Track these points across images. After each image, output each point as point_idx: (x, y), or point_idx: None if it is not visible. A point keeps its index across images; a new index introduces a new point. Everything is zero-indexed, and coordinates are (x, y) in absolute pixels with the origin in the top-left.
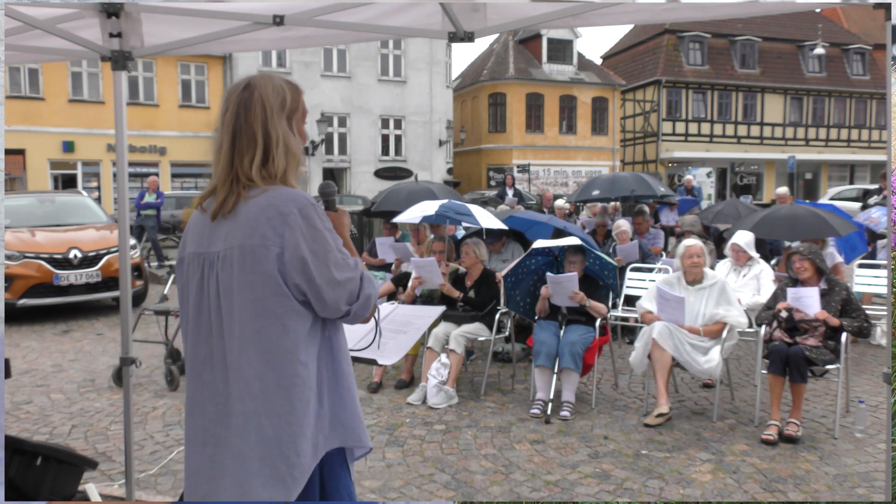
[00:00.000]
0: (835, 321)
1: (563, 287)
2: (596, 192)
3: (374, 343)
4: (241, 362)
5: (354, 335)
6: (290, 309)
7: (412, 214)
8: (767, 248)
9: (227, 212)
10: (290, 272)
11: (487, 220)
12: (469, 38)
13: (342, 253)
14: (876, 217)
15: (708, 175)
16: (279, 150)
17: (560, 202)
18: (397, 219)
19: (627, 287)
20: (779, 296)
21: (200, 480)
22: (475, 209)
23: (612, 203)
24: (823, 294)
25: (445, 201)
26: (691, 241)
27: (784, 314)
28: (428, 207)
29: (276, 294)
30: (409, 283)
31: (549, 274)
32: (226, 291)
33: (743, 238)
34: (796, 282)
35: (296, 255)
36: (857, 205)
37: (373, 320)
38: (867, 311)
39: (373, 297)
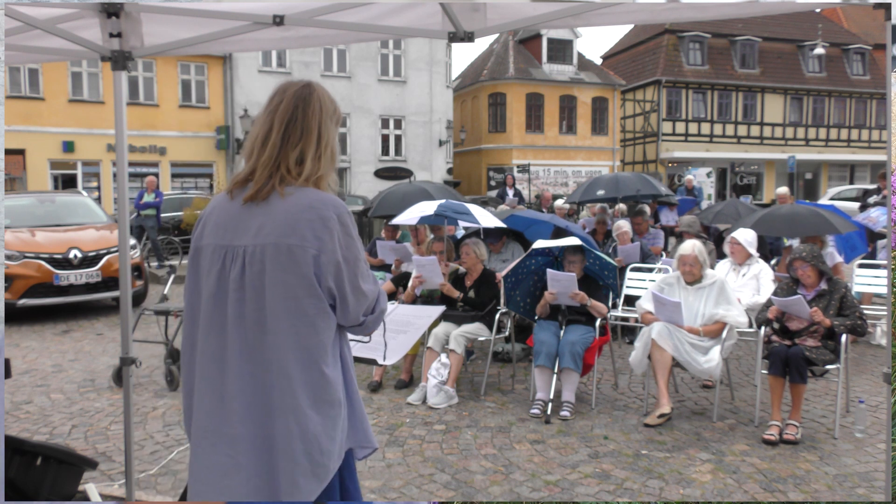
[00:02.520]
0: (826, 321)
1: (563, 285)
2: (601, 192)
3: (381, 353)
4: (273, 358)
5: (352, 337)
6: (322, 311)
7: (410, 215)
8: (767, 248)
9: (262, 199)
10: (325, 275)
11: (486, 218)
12: (469, 38)
13: (366, 265)
14: (875, 216)
15: (708, 175)
16: (327, 151)
17: (559, 202)
18: (396, 220)
19: (627, 287)
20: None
21: (214, 477)
22: (473, 208)
23: (618, 206)
24: (823, 294)
25: (443, 201)
26: (687, 249)
27: (776, 325)
28: (426, 208)
29: (311, 295)
30: (410, 283)
31: (549, 270)
32: (255, 287)
33: (743, 235)
34: (797, 282)
35: (332, 259)
36: (857, 205)
37: (382, 328)
38: (867, 311)
39: (384, 313)
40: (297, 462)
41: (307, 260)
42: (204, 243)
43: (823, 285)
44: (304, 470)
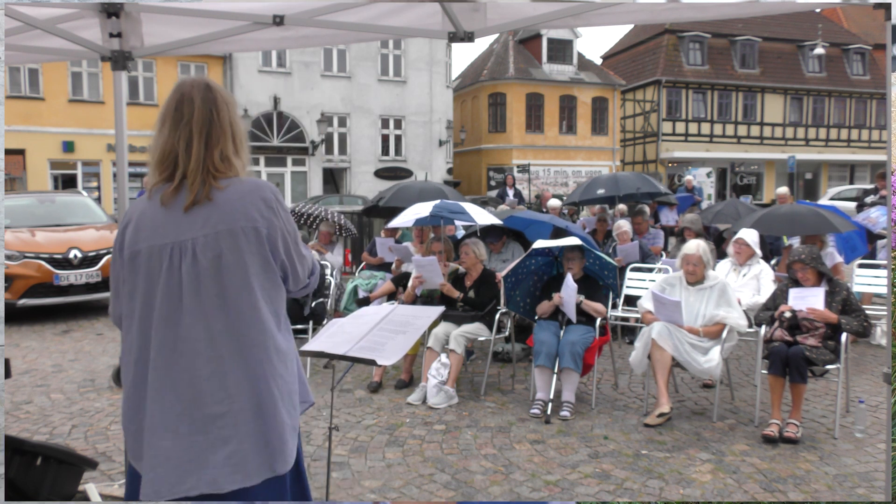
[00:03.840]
0: (833, 317)
1: (570, 294)
2: (601, 191)
3: (381, 354)
4: (241, 334)
5: (353, 336)
6: (276, 284)
7: (406, 217)
8: (768, 248)
9: (204, 197)
10: (277, 250)
11: (482, 216)
12: (469, 38)
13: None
14: (874, 217)
15: (708, 175)
16: (243, 144)
17: (554, 202)
18: (392, 223)
19: (627, 287)
20: (778, 296)
21: (177, 465)
22: (469, 207)
23: (618, 206)
24: (825, 294)
25: (438, 202)
26: (692, 248)
27: (788, 315)
28: (421, 209)
29: (267, 271)
30: (410, 283)
31: (568, 275)
32: (210, 274)
33: (749, 235)
34: (796, 282)
35: (280, 235)
36: (854, 205)
37: (371, 322)
38: (867, 312)
39: (318, 269)
40: (283, 420)
41: (261, 239)
42: (140, 247)
43: (824, 286)
44: (289, 427)
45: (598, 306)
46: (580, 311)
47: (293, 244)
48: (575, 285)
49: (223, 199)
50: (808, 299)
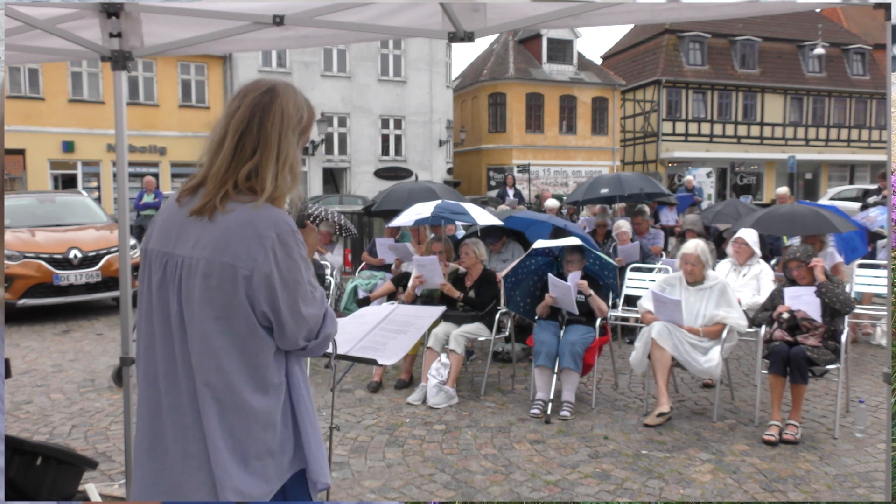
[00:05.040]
0: (821, 276)
1: (562, 291)
2: (605, 191)
3: (381, 353)
4: (200, 378)
5: (354, 336)
6: (254, 333)
7: (407, 217)
8: (768, 249)
9: (209, 211)
10: (257, 297)
11: (483, 217)
12: (469, 38)
13: (312, 286)
14: (873, 216)
15: (708, 175)
16: (285, 168)
17: (552, 202)
18: (393, 223)
19: (627, 287)
20: (776, 297)
21: (163, 492)
22: (470, 207)
23: (619, 205)
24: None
25: (440, 202)
26: (690, 248)
27: (786, 315)
28: (423, 209)
29: (242, 316)
30: (410, 283)
31: (550, 276)
32: (188, 300)
33: (749, 235)
34: (793, 282)
35: (266, 282)
36: (857, 205)
37: (372, 322)
38: (867, 312)
39: (331, 337)
40: (228, 486)
41: (238, 280)
42: (150, 247)
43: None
44: (234, 492)
45: (601, 302)
46: (582, 310)
47: (287, 297)
48: (565, 282)
49: (220, 224)
50: (804, 298)
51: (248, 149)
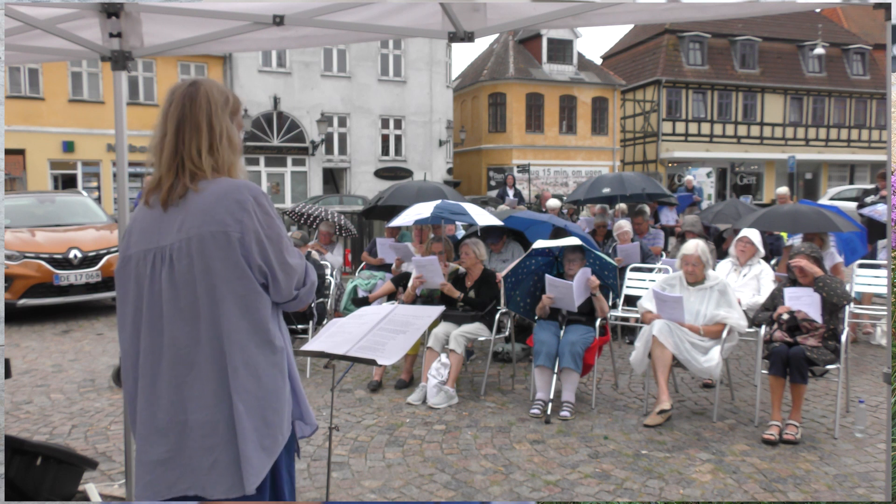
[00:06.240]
0: (817, 270)
1: (561, 291)
2: (606, 190)
3: (381, 353)
4: (214, 345)
5: (354, 336)
6: (253, 290)
7: (407, 217)
8: (768, 248)
9: (177, 198)
10: (251, 255)
11: (483, 217)
12: (469, 38)
13: (290, 241)
14: (881, 210)
15: (708, 175)
16: (223, 142)
17: (553, 202)
18: (392, 223)
19: (627, 287)
20: (776, 296)
21: (171, 468)
22: (470, 207)
23: (618, 206)
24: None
25: (439, 202)
26: (690, 248)
27: (786, 316)
28: (423, 209)
29: (240, 277)
30: (410, 283)
31: (548, 276)
32: (185, 280)
33: (752, 234)
34: (795, 282)
35: (255, 238)
36: (854, 205)
37: (372, 322)
38: (867, 311)
39: (315, 284)
40: (247, 438)
41: (232, 244)
42: (131, 252)
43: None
44: (254, 446)
45: (605, 304)
46: (580, 311)
47: (274, 250)
48: (564, 281)
49: (197, 202)
50: (803, 298)
51: (188, 133)
